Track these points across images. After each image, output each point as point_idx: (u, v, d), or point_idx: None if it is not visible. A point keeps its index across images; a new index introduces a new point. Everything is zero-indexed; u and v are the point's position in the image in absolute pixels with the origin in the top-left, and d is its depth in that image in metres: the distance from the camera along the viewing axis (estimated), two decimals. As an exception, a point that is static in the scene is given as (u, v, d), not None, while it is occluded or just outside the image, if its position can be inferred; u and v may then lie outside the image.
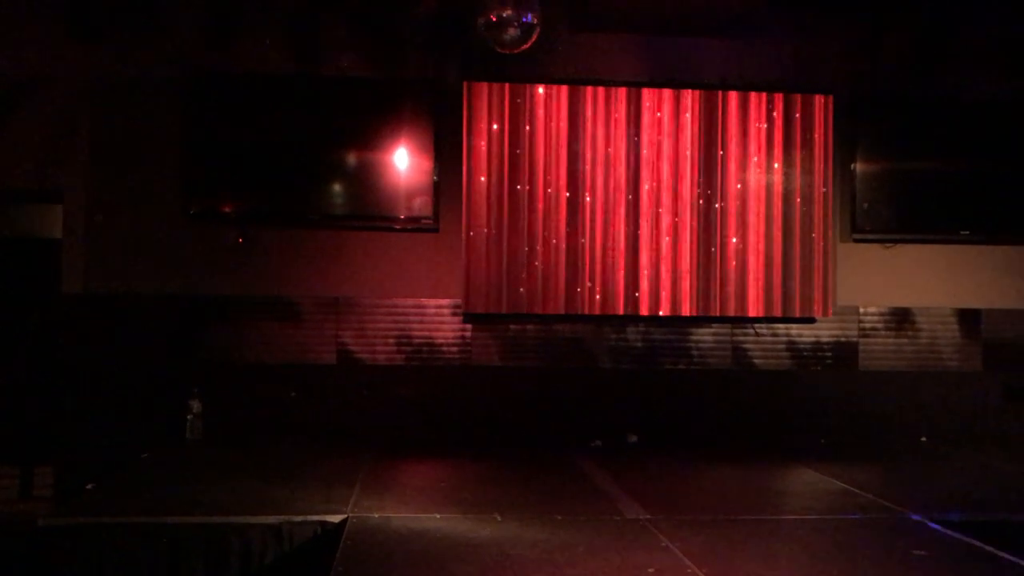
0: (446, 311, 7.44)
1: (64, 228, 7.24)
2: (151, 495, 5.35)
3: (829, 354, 7.73)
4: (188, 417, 6.96)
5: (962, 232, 7.77)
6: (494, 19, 6.16)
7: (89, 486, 5.62)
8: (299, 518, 4.85)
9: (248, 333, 7.25)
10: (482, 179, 7.31)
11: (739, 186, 7.51)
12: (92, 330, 7.15)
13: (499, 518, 4.96)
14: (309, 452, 6.67)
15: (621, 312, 7.41)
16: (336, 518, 4.86)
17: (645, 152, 7.44)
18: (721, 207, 7.49)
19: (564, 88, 7.38)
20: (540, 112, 7.37)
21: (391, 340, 7.41)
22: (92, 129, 7.19)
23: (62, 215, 7.27)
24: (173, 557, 4.71)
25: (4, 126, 7.14)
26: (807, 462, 6.65)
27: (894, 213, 7.74)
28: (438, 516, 4.98)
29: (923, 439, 7.63)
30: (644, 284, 7.41)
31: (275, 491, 5.40)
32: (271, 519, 4.83)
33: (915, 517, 5.12)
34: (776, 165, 7.54)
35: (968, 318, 7.86)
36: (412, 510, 5.11)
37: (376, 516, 4.92)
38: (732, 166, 7.51)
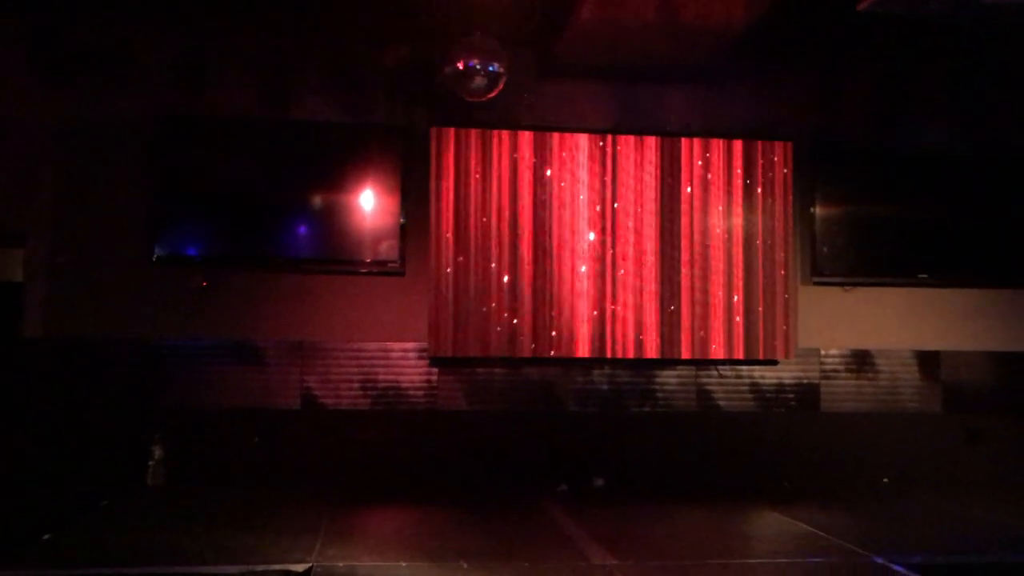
0: (412, 355, 7.43)
1: (25, 271, 7.15)
2: (111, 544, 5.26)
3: (792, 396, 7.82)
4: (150, 463, 6.87)
5: (920, 275, 7.94)
6: (461, 68, 6.25)
7: (46, 536, 5.48)
8: (262, 567, 4.78)
9: (212, 377, 7.19)
10: (449, 224, 7.35)
11: (702, 230, 7.62)
12: (53, 374, 7.06)
13: (465, 566, 4.93)
14: (273, 498, 6.59)
15: (587, 356, 7.45)
16: (300, 567, 4.80)
17: (609, 197, 7.53)
18: (684, 251, 7.58)
19: (530, 134, 7.47)
20: (506, 158, 7.44)
21: (356, 384, 7.38)
22: (56, 172, 7.16)
23: (23, 258, 7.17)
24: (133, 609, 4.63)
25: (-35, 168, 7.07)
26: (772, 504, 6.69)
27: (854, 257, 7.90)
28: (403, 564, 4.95)
29: (885, 480, 7.72)
30: (609, 327, 7.46)
31: (239, 538, 5.33)
32: (234, 569, 4.76)
33: (878, 560, 5.17)
34: (737, 210, 7.67)
35: (927, 360, 7.99)
36: (378, 558, 5.07)
37: (341, 565, 4.87)
38: (695, 211, 7.62)
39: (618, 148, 7.57)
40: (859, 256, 7.89)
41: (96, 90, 7.12)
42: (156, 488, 6.86)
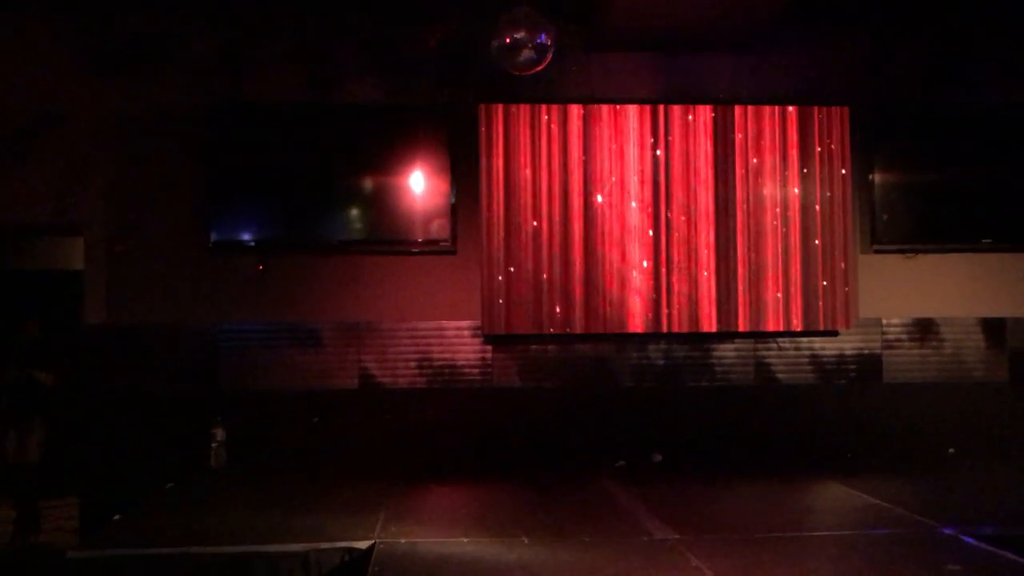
0: (466, 333, 7.44)
1: (86, 260, 7.30)
2: (177, 525, 5.34)
3: (853, 367, 7.67)
4: (212, 445, 6.97)
5: (984, 240, 7.73)
6: (508, 42, 6.18)
7: (116, 517, 5.61)
8: (326, 545, 4.84)
9: (270, 360, 7.28)
10: (499, 200, 7.33)
11: (757, 200, 7.49)
12: (115, 360, 7.20)
13: (526, 540, 4.93)
14: (333, 478, 6.66)
15: (642, 331, 7.38)
16: (363, 544, 4.84)
17: (661, 169, 7.44)
18: (740, 222, 7.46)
19: (579, 108, 7.40)
20: (555, 132, 7.38)
21: (412, 364, 7.41)
22: (112, 162, 7.28)
23: (84, 247, 7.32)
24: (202, 587, 4.71)
25: (26, 160, 7.23)
26: (834, 477, 6.58)
27: (914, 223, 7.71)
28: (465, 540, 4.96)
29: (951, 451, 7.53)
30: (664, 301, 7.38)
31: (301, 518, 5.39)
32: (298, 547, 4.82)
33: (947, 531, 5.06)
34: (794, 179, 7.52)
35: (993, 328, 7.78)
36: (439, 535, 5.09)
37: (403, 542, 4.90)
38: (750, 181, 7.49)
39: (669, 119, 7.46)
40: (920, 222, 7.70)
41: (148, 80, 7.21)
42: (219, 470, 6.95)
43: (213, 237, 7.22)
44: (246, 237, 7.31)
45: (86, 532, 6.73)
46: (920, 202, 7.73)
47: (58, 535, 7.23)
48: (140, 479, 6.62)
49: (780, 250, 7.49)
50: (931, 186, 7.75)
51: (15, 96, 7.19)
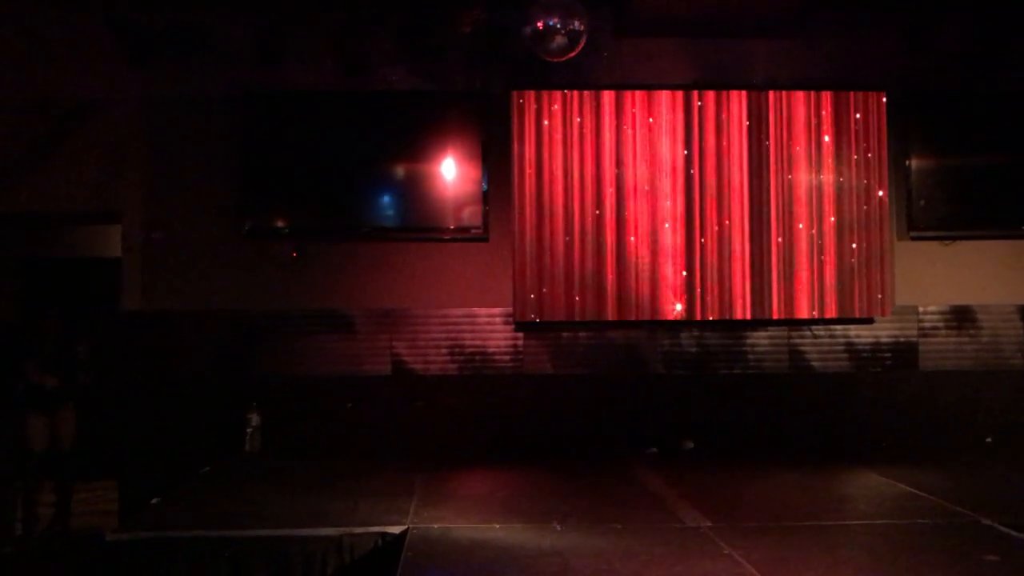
0: (498, 320, 7.45)
1: (123, 247, 7.40)
2: (214, 509, 5.42)
3: (888, 355, 7.59)
4: (247, 430, 7.05)
5: (1023, 226, 7.58)
6: (541, 27, 6.16)
7: (154, 501, 5.70)
8: (359, 530, 4.88)
9: (304, 346, 7.34)
10: (531, 187, 7.32)
11: (792, 187, 7.42)
12: (151, 346, 7.29)
13: (558, 527, 4.95)
14: (366, 463, 6.72)
15: (673, 318, 7.35)
16: (396, 529, 4.88)
17: (694, 156, 7.38)
18: (773, 209, 7.40)
19: (611, 94, 7.36)
20: (588, 118, 7.35)
21: (444, 350, 7.44)
22: (148, 150, 7.36)
23: (120, 234, 7.41)
24: (236, 570, 4.77)
25: (63, 149, 7.33)
26: (869, 465, 6.54)
27: (951, 209, 7.60)
28: (497, 526, 4.98)
29: (988, 440, 7.44)
30: (697, 288, 7.35)
31: (334, 503, 5.44)
32: (332, 531, 4.86)
33: (985, 521, 4.99)
34: (829, 164, 7.44)
35: (1032, 315, 7.67)
36: (471, 520, 5.11)
37: (436, 527, 4.93)
38: (784, 167, 7.42)
39: (702, 104, 7.40)
40: (958, 208, 7.58)
41: (182, 69, 7.24)
42: (253, 455, 7.04)
43: (247, 224, 7.28)
44: (280, 224, 7.37)
45: (125, 515, 6.85)
46: (958, 188, 7.62)
47: (97, 518, 7.36)
48: (177, 463, 6.73)
49: (815, 237, 7.42)
50: (969, 171, 7.64)
51: (54, 86, 7.27)
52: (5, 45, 7.27)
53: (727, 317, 7.37)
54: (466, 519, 5.14)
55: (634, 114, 7.37)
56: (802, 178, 7.43)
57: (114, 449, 7.31)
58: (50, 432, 7.13)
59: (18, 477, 7.14)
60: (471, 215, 7.36)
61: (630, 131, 7.37)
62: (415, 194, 7.37)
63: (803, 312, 7.39)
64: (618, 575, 4.12)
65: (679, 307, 7.34)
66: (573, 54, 6.42)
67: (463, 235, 7.39)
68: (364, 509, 5.28)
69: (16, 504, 7.12)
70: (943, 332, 7.65)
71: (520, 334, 7.45)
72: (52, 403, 7.12)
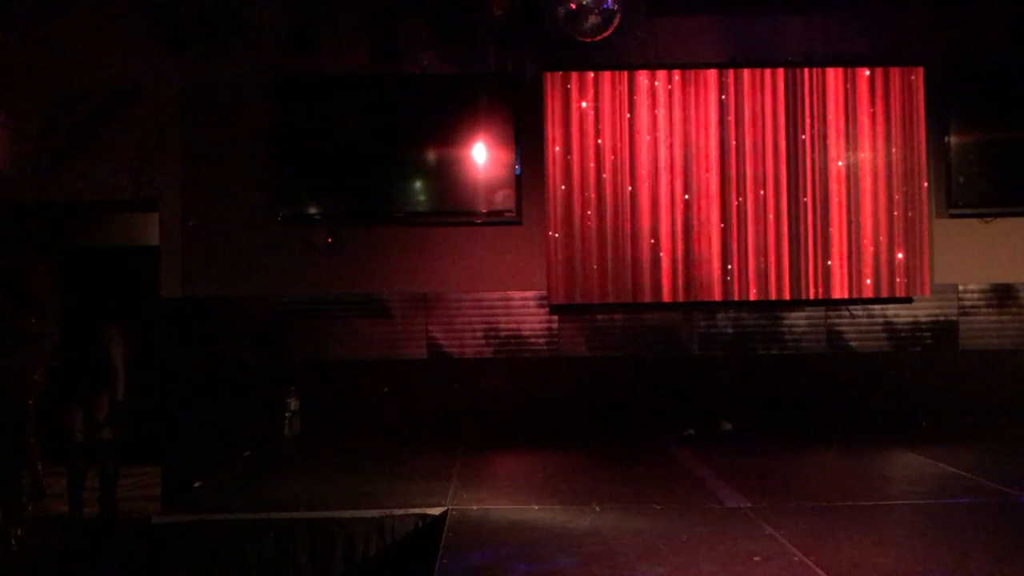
0: (532, 303, 7.45)
1: (161, 235, 7.48)
2: (256, 492, 5.48)
3: (928, 334, 7.51)
4: (286, 414, 7.13)
5: (1067, 203, 7.46)
6: (574, 7, 6.13)
7: (197, 484, 5.79)
8: (400, 511, 4.92)
9: (341, 331, 7.40)
10: (564, 170, 7.30)
11: (828, 165, 7.34)
12: (191, 332, 7.39)
13: (597, 508, 4.95)
14: (404, 446, 6.77)
15: (711, 298, 7.32)
16: (436, 511, 4.91)
17: (730, 135, 7.33)
18: (810, 187, 7.33)
19: (645, 73, 7.31)
20: (622, 99, 7.31)
21: (479, 333, 7.46)
22: (183, 138, 7.42)
23: (158, 222, 7.50)
24: (280, 552, 4.83)
25: (99, 138, 7.41)
26: (909, 445, 6.48)
27: (992, 186, 7.48)
28: (536, 507, 5.00)
29: (1031, 419, 7.35)
30: (734, 269, 7.30)
31: (374, 485, 5.49)
32: (373, 513, 4.90)
33: (1028, 500, 4.95)
34: (866, 142, 7.35)
35: (1076, 292, 7.54)
36: (510, 502, 5.14)
37: (475, 508, 4.96)
38: (820, 145, 7.34)
39: (737, 82, 7.33)
40: (999, 185, 7.45)
41: (216, 54, 7.28)
42: (292, 439, 7.12)
43: (283, 210, 7.33)
44: (314, 210, 7.41)
45: (168, 499, 6.97)
46: (998, 164, 7.49)
47: (142, 503, 7.50)
48: (218, 448, 6.83)
49: (852, 215, 7.34)
50: (1010, 147, 7.50)
51: (89, 75, 7.35)
52: (41, 34, 7.35)
53: (764, 297, 7.32)
54: (504, 500, 5.17)
55: (669, 93, 7.32)
56: (838, 156, 7.35)
57: (157, 435, 7.42)
58: (87, 421, 7.25)
59: (63, 463, 7.29)
60: (504, 199, 7.36)
61: (664, 111, 7.32)
62: (448, 178, 7.37)
63: (841, 291, 7.33)
64: (660, 554, 4.13)
65: (715, 287, 7.30)
66: (607, 34, 6.38)
67: (496, 219, 7.40)
68: (403, 491, 5.31)
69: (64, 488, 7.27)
70: (984, 311, 7.55)
71: (555, 317, 7.45)
72: (87, 392, 7.23)
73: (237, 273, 7.40)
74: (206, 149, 7.43)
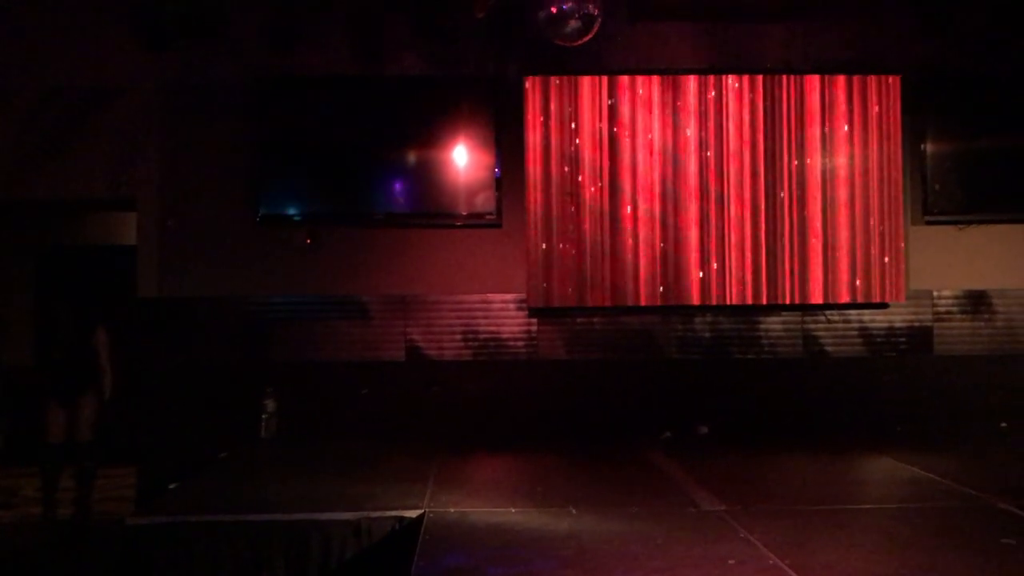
0: (512, 306, 7.46)
1: (138, 234, 7.44)
2: (232, 493, 5.46)
3: (903, 339, 7.58)
4: (263, 416, 7.10)
5: (1040, 211, 7.56)
6: (555, 12, 6.14)
7: (172, 486, 5.75)
8: (377, 514, 4.91)
9: (318, 332, 7.38)
10: (544, 173, 7.32)
11: (806, 172, 7.40)
12: (167, 333, 7.34)
13: (574, 511, 4.96)
14: (381, 448, 6.76)
15: (688, 303, 7.36)
16: (413, 513, 4.90)
17: (710, 140, 7.37)
18: (788, 193, 7.39)
19: (625, 78, 7.34)
20: (602, 103, 7.34)
21: (458, 336, 7.46)
22: (163, 137, 7.38)
23: (136, 222, 7.45)
24: (255, 554, 4.81)
25: (79, 137, 7.35)
26: (884, 450, 6.53)
27: (967, 194, 7.57)
28: (513, 510, 5.00)
29: (1003, 425, 7.42)
30: (712, 273, 7.34)
31: (351, 487, 5.47)
32: (349, 515, 4.89)
33: (1000, 505, 4.99)
34: (843, 148, 7.42)
35: (1048, 299, 7.63)
36: (487, 504, 5.14)
37: (452, 511, 4.96)
38: (799, 151, 7.40)
39: (717, 89, 7.38)
40: (973, 193, 7.55)
41: (197, 55, 7.27)
42: (269, 440, 7.08)
43: (262, 211, 7.31)
44: (294, 211, 7.40)
45: (143, 501, 6.91)
46: (973, 172, 7.59)
47: (116, 504, 7.43)
48: (195, 449, 6.78)
49: (829, 221, 7.40)
50: (984, 156, 7.61)
51: (70, 72, 7.31)
52: (21, 32, 7.29)
53: (741, 302, 7.37)
54: (482, 503, 5.17)
55: (649, 99, 7.35)
56: (816, 162, 7.41)
57: (132, 436, 7.36)
58: (69, 422, 7.16)
59: (38, 464, 7.21)
60: (484, 201, 7.37)
61: (644, 117, 7.35)
62: (428, 180, 7.37)
63: (817, 297, 7.39)
64: (636, 558, 4.14)
65: (693, 292, 7.34)
66: (587, 39, 6.39)
67: (476, 221, 7.40)
68: (381, 493, 5.31)
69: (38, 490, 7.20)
70: (958, 317, 7.64)
71: (534, 320, 7.47)
72: (72, 393, 7.15)
73: (215, 273, 7.36)
74: (185, 148, 7.39)
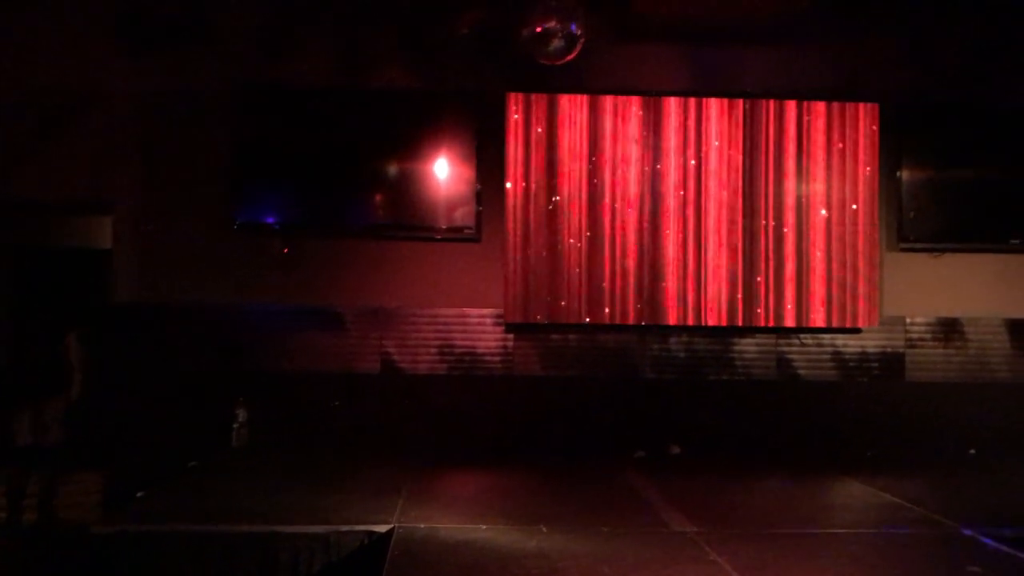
0: (488, 321, 7.46)
1: (114, 239, 7.38)
2: (200, 504, 5.42)
3: (875, 364, 7.64)
4: (234, 425, 7.05)
5: (1012, 240, 7.67)
6: (539, 30, 6.18)
7: (140, 494, 5.69)
8: (346, 528, 4.89)
9: (293, 342, 7.33)
10: (524, 189, 7.34)
11: (784, 195, 7.46)
12: (141, 339, 7.27)
13: (544, 529, 4.96)
14: (353, 461, 6.72)
15: (664, 322, 7.39)
16: (383, 528, 4.89)
17: (689, 162, 7.42)
18: (765, 216, 7.44)
19: (607, 98, 7.38)
20: (584, 122, 7.37)
21: (433, 349, 7.44)
22: (143, 142, 7.34)
23: (112, 226, 7.39)
24: (222, 566, 4.77)
25: (58, 140, 7.29)
26: (854, 474, 6.57)
27: (941, 222, 7.66)
28: (484, 527, 4.99)
29: (972, 451, 7.49)
30: (689, 294, 7.38)
31: (322, 500, 5.44)
32: (319, 529, 4.87)
33: (967, 532, 5.04)
34: (820, 174, 7.49)
35: (1019, 328, 7.72)
36: (458, 520, 5.12)
37: (423, 526, 4.94)
38: (776, 176, 7.47)
39: (698, 112, 7.43)
40: (948, 221, 7.64)
41: (179, 61, 7.25)
42: (240, 450, 7.03)
43: (239, 219, 7.27)
44: (272, 220, 7.36)
45: (110, 508, 6.82)
46: (948, 201, 7.68)
47: (82, 511, 7.33)
48: (164, 458, 6.71)
49: (805, 246, 7.46)
50: (959, 185, 7.70)
51: (50, 75, 7.24)
52: (2, 33, 7.23)
53: (717, 323, 7.41)
54: (453, 519, 5.15)
55: (629, 119, 7.39)
56: (793, 187, 7.48)
57: (100, 442, 7.28)
58: (36, 425, 7.07)
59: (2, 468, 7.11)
60: (464, 215, 7.38)
61: (625, 137, 7.39)
62: (408, 193, 7.37)
63: (792, 320, 7.43)
64: (604, 578, 4.14)
65: (669, 312, 7.37)
66: (570, 57, 6.44)
67: (455, 235, 7.40)
68: (351, 507, 5.28)
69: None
70: (930, 343, 7.71)
71: (511, 335, 7.47)
72: (40, 396, 7.07)
73: (191, 280, 7.31)
74: (165, 154, 7.35)
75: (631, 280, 7.36)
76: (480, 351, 7.46)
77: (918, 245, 7.65)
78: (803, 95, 7.48)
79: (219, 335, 7.32)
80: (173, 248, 7.32)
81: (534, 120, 7.35)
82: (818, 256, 7.46)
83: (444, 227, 7.38)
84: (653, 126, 7.41)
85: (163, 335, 7.29)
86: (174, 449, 6.83)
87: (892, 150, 7.60)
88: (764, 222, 7.44)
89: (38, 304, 7.39)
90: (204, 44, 7.08)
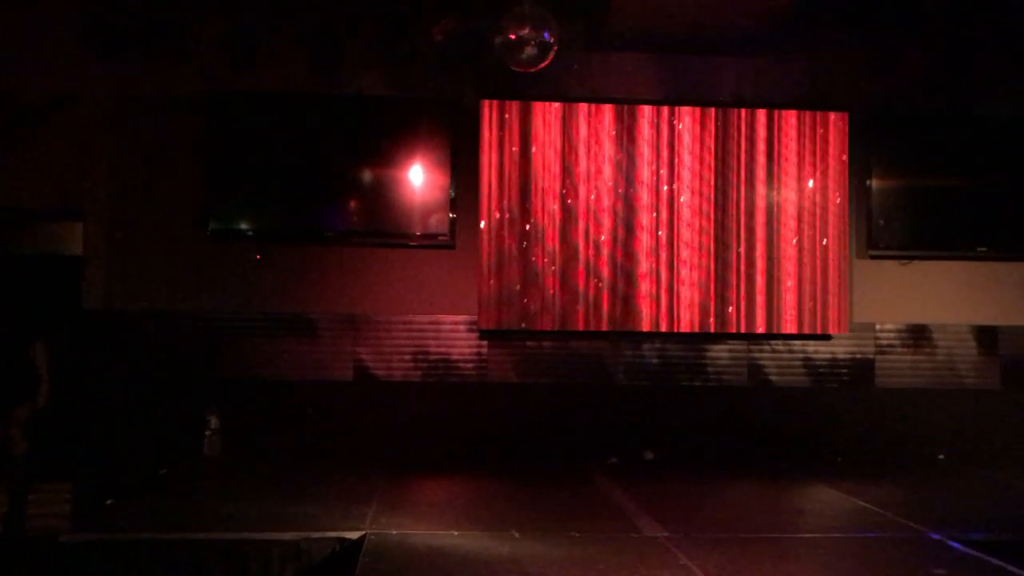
0: (462, 328, 7.46)
1: (85, 245, 7.32)
2: (171, 511, 5.38)
3: (845, 371, 7.72)
4: (206, 433, 7.00)
5: (979, 248, 7.77)
6: (512, 38, 6.20)
7: (109, 502, 5.64)
8: (317, 535, 4.87)
9: (265, 349, 7.31)
10: (497, 196, 7.36)
11: (755, 203, 7.53)
12: (112, 346, 7.22)
13: (517, 535, 4.96)
14: (326, 467, 6.68)
15: (637, 329, 7.42)
16: (354, 535, 4.87)
17: (662, 170, 7.47)
18: (736, 224, 7.51)
19: (581, 106, 7.43)
20: (557, 129, 7.41)
21: (407, 356, 7.44)
22: (114, 147, 7.30)
23: (83, 232, 7.33)
24: (192, 573, 4.73)
25: (27, 144, 7.23)
26: (824, 480, 6.62)
27: (910, 230, 7.76)
28: (456, 533, 4.99)
29: (940, 457, 7.59)
30: (662, 301, 7.43)
31: (293, 507, 5.41)
32: (290, 535, 4.85)
33: (935, 536, 5.09)
34: (791, 182, 7.57)
35: (986, 335, 7.83)
36: (430, 527, 5.12)
37: (394, 533, 4.93)
38: (747, 184, 7.53)
39: (671, 120, 7.49)
40: (916, 229, 7.74)
41: (150, 66, 7.21)
42: (212, 458, 6.98)
43: (211, 225, 7.24)
44: (245, 226, 7.34)
45: (79, 517, 6.74)
46: (916, 209, 7.78)
47: (51, 520, 7.24)
48: (134, 465, 6.65)
49: (776, 252, 7.53)
50: (928, 193, 7.80)
51: (19, 79, 7.18)
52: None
53: (690, 330, 7.45)
54: (425, 525, 5.15)
55: (603, 127, 7.44)
56: (764, 195, 7.55)
57: (70, 449, 7.20)
58: (2, 434, 6.97)
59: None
60: (438, 222, 7.38)
61: (598, 144, 7.43)
62: (382, 199, 7.37)
63: (763, 326, 7.50)
64: (575, 583, 4.15)
65: (642, 318, 7.41)
66: (543, 65, 6.46)
67: (429, 242, 7.41)
68: (322, 514, 5.26)
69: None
70: (899, 350, 7.80)
71: (484, 342, 7.48)
72: (7, 403, 6.97)
73: (163, 286, 7.28)
74: (137, 159, 7.32)
75: (604, 286, 7.40)
76: (454, 358, 7.46)
77: (887, 253, 7.74)
78: (774, 104, 7.56)
79: (191, 342, 7.28)
80: (145, 254, 7.28)
81: (508, 127, 7.38)
82: (789, 263, 7.53)
83: (418, 234, 7.39)
84: (626, 134, 7.46)
85: (134, 342, 7.22)
86: (144, 457, 6.77)
87: (861, 159, 7.69)
88: (736, 229, 7.50)
89: (5, 310, 7.29)
90: (176, 50, 7.05)
